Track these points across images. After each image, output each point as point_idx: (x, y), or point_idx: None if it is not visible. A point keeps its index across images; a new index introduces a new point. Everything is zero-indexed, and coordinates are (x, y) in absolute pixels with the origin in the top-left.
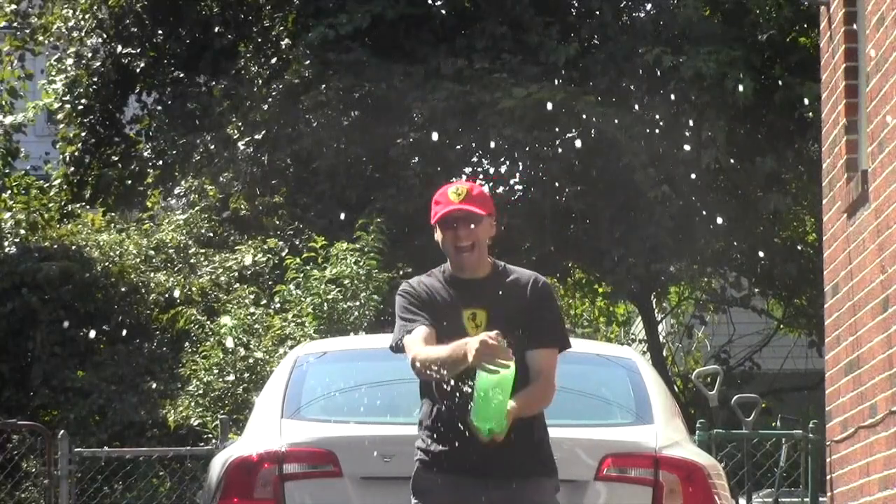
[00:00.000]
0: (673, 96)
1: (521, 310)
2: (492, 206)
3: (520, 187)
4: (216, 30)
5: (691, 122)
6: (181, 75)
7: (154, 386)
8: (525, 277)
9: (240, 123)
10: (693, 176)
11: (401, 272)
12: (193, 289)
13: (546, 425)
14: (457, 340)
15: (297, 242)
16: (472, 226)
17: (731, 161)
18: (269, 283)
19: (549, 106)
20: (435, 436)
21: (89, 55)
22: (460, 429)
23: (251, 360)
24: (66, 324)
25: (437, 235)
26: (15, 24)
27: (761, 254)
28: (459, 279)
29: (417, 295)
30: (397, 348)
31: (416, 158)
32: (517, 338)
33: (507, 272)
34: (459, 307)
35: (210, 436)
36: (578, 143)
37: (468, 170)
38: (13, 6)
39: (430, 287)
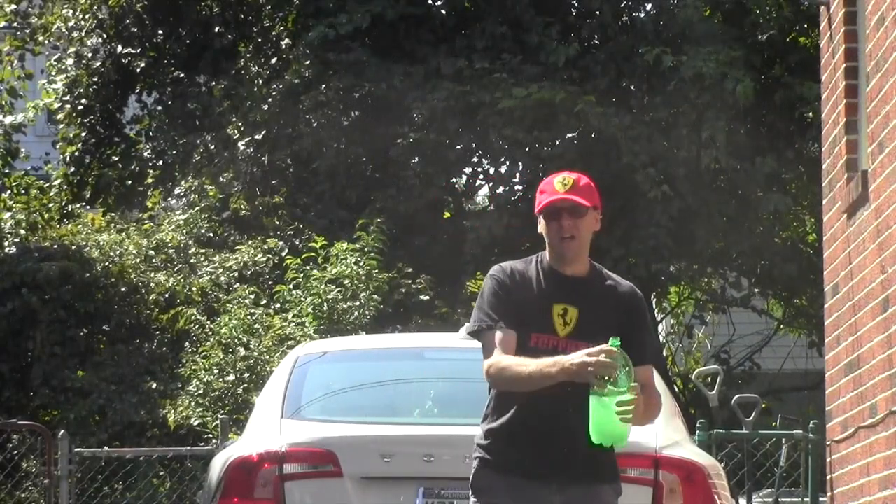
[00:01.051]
0: (673, 96)
1: (615, 317)
2: (598, 199)
3: (520, 187)
4: (216, 30)
5: (691, 122)
6: (181, 75)
7: (154, 386)
8: (624, 286)
9: (240, 123)
10: (693, 176)
11: (401, 272)
12: (193, 289)
13: None
14: (544, 355)
15: (297, 242)
16: (578, 217)
17: (731, 161)
18: (269, 283)
19: (549, 106)
20: (507, 437)
21: (89, 55)
22: (541, 434)
23: (251, 360)
24: (66, 323)
25: (541, 226)
26: (15, 24)
27: (761, 254)
28: (556, 272)
29: (507, 285)
30: (475, 335)
31: (416, 158)
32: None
33: (605, 275)
34: (551, 301)
35: (210, 436)
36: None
37: (468, 170)
38: (13, 6)
39: (523, 275)
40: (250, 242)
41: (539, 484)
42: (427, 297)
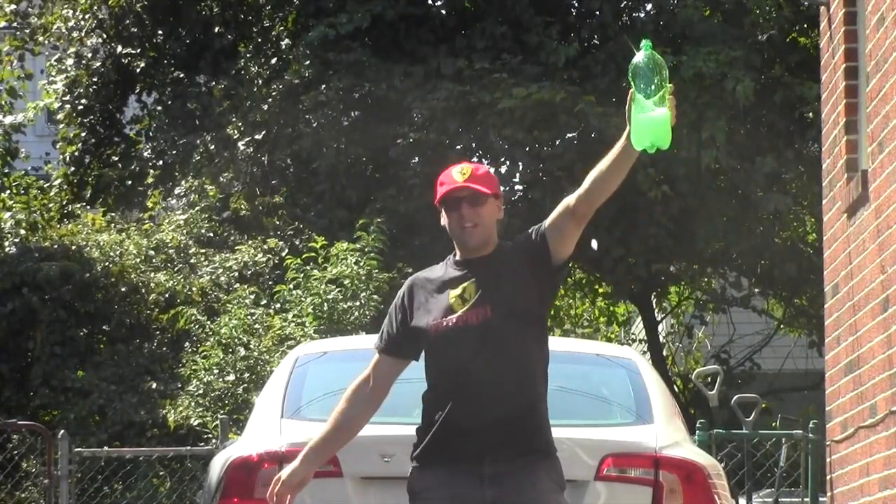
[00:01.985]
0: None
1: (521, 267)
2: (497, 188)
3: (520, 187)
4: (216, 30)
5: (691, 122)
6: (181, 75)
7: (154, 386)
8: (521, 236)
9: (240, 123)
10: (693, 176)
11: (401, 272)
12: (193, 289)
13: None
14: (447, 336)
15: (297, 242)
16: (478, 205)
17: (731, 161)
18: (269, 283)
19: (549, 106)
20: (430, 435)
21: (89, 55)
22: (458, 425)
23: (251, 360)
24: (66, 323)
25: (443, 219)
26: (15, 24)
27: (761, 254)
28: (460, 261)
29: (402, 304)
30: (376, 348)
31: (416, 158)
32: (509, 305)
33: (509, 246)
34: (447, 290)
35: (210, 436)
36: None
37: None
38: (13, 6)
39: (430, 279)
40: (250, 242)
41: (468, 472)
42: None
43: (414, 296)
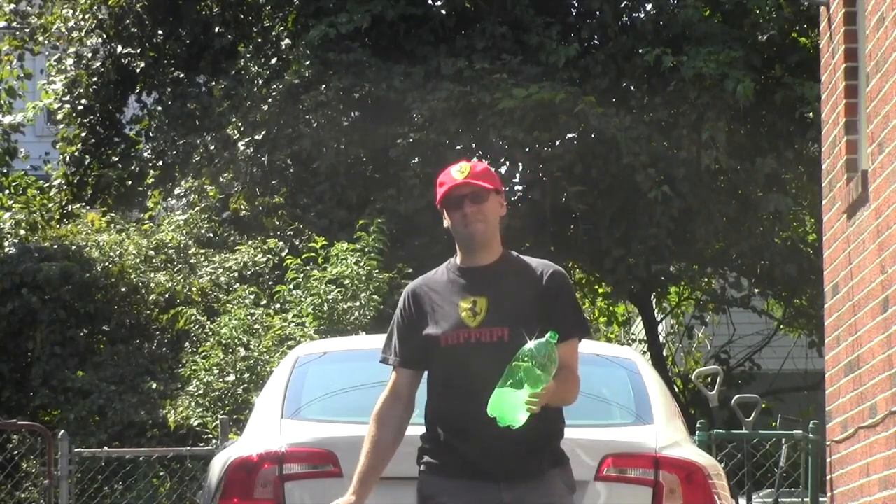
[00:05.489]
0: (673, 97)
1: (532, 300)
2: (499, 183)
3: (520, 187)
4: (216, 30)
5: (691, 123)
6: (181, 75)
7: (154, 386)
8: (539, 266)
9: (240, 124)
10: (693, 176)
11: (401, 273)
12: (193, 289)
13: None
14: (458, 351)
15: (297, 243)
16: (480, 202)
17: (732, 161)
18: (269, 283)
19: (549, 106)
20: (444, 441)
21: (89, 55)
22: (476, 434)
23: (251, 361)
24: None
25: (445, 221)
26: (15, 24)
27: (761, 254)
28: (463, 269)
29: (408, 310)
30: (385, 361)
31: (416, 159)
32: (522, 332)
33: (518, 260)
34: (457, 298)
35: (210, 436)
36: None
37: None
38: (13, 6)
39: (431, 284)
40: (250, 243)
41: (484, 483)
42: None
43: (420, 304)
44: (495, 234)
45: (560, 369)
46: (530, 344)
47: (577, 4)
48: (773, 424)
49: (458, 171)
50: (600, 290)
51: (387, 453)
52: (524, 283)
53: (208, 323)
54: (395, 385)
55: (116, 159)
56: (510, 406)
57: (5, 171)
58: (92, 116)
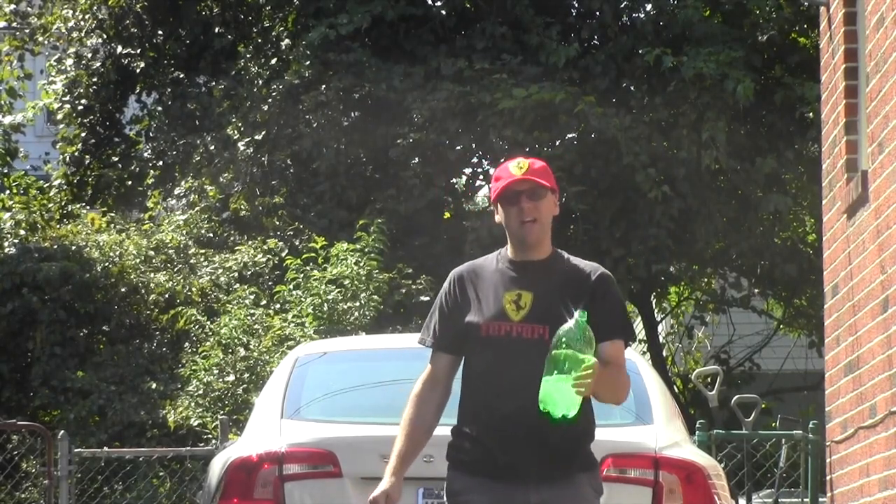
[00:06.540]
0: (673, 97)
1: (576, 296)
2: (555, 182)
3: None
4: (216, 30)
5: (691, 123)
6: (181, 76)
7: (154, 386)
8: (587, 267)
9: (240, 124)
10: (693, 176)
11: (401, 273)
12: (193, 289)
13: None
14: (497, 342)
15: (297, 243)
16: (537, 199)
17: (732, 161)
18: (269, 283)
19: (549, 107)
20: (475, 438)
21: (89, 55)
22: (508, 434)
23: (251, 361)
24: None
25: (499, 216)
26: (15, 24)
27: (761, 254)
28: (513, 261)
29: (453, 295)
30: (423, 343)
31: (416, 159)
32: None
33: (567, 259)
34: (502, 290)
35: (210, 436)
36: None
37: (468, 170)
38: (13, 6)
39: (479, 272)
40: (250, 243)
41: (513, 484)
42: (427, 298)
43: (465, 290)
44: (547, 233)
45: (607, 364)
46: (563, 328)
47: (577, 4)
48: (773, 425)
49: (516, 167)
50: None
51: (425, 436)
52: (571, 283)
53: (208, 323)
54: (433, 369)
55: (116, 159)
56: (562, 396)
57: (6, 171)
58: (92, 116)
